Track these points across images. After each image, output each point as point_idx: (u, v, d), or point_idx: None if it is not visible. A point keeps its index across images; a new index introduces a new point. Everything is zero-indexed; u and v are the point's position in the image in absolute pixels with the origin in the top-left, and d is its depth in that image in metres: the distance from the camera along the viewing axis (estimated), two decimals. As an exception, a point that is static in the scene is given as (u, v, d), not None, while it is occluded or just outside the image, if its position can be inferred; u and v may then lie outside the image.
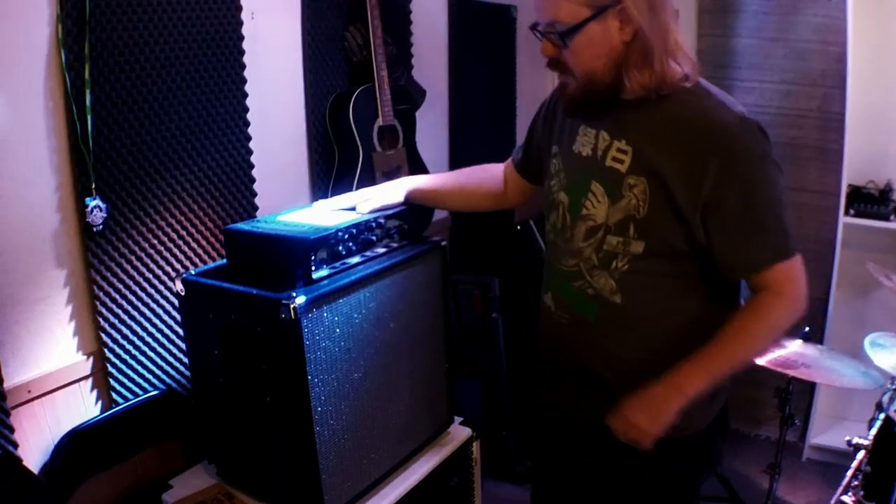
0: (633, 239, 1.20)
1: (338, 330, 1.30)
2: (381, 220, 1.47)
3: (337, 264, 1.34)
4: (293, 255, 1.29)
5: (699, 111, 1.17)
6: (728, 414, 1.36)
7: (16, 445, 1.40)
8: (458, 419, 1.72)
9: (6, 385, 1.38)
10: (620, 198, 1.20)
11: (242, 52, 1.81)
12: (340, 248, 1.36)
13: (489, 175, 1.61)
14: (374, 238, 1.44)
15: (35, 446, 1.47)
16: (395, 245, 1.47)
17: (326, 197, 2.10)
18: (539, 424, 1.52)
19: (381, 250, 1.44)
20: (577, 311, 1.29)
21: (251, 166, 1.88)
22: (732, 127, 1.15)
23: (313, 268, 1.29)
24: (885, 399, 1.89)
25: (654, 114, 1.18)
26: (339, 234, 1.35)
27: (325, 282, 1.29)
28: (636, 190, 1.18)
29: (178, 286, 1.39)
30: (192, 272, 1.41)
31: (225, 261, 1.48)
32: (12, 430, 1.39)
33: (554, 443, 1.48)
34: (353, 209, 1.51)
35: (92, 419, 1.54)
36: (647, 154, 1.18)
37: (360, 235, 1.41)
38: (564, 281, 1.31)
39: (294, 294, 1.20)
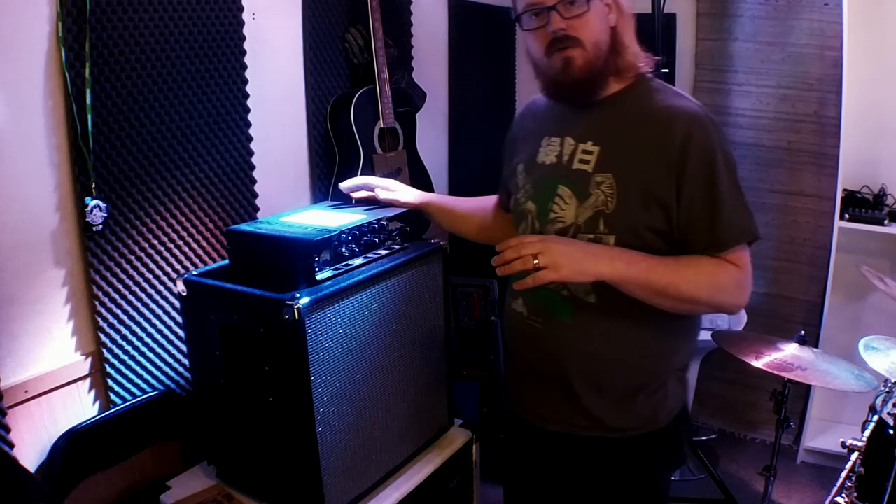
0: (604, 234, 1.23)
1: (340, 331, 1.30)
2: (384, 222, 1.47)
3: (340, 265, 1.34)
4: (297, 256, 1.29)
5: (663, 101, 1.26)
6: (689, 415, 1.43)
7: (11, 445, 1.39)
8: (458, 421, 1.73)
9: (3, 385, 1.37)
10: (588, 196, 1.25)
11: (244, 53, 1.80)
12: (343, 249, 1.36)
13: (489, 206, 1.65)
14: (376, 240, 1.44)
15: (31, 446, 1.46)
16: (397, 247, 1.48)
17: (326, 198, 2.11)
18: (510, 437, 1.55)
19: (384, 252, 1.44)
20: (552, 313, 1.31)
21: (252, 167, 1.88)
22: (697, 115, 1.23)
23: (316, 269, 1.29)
24: (879, 402, 1.91)
25: (620, 109, 1.28)
26: (343, 235, 1.36)
27: (329, 283, 1.29)
28: (603, 186, 1.24)
29: (180, 287, 1.38)
30: (194, 272, 1.41)
31: (226, 261, 1.48)
32: (8, 430, 1.38)
33: (525, 455, 1.50)
34: (372, 192, 1.55)
35: (90, 420, 1.54)
36: (616, 149, 1.25)
37: (363, 237, 1.41)
38: (538, 285, 1.30)
39: (298, 295, 1.20)
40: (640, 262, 1.20)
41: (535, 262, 1.14)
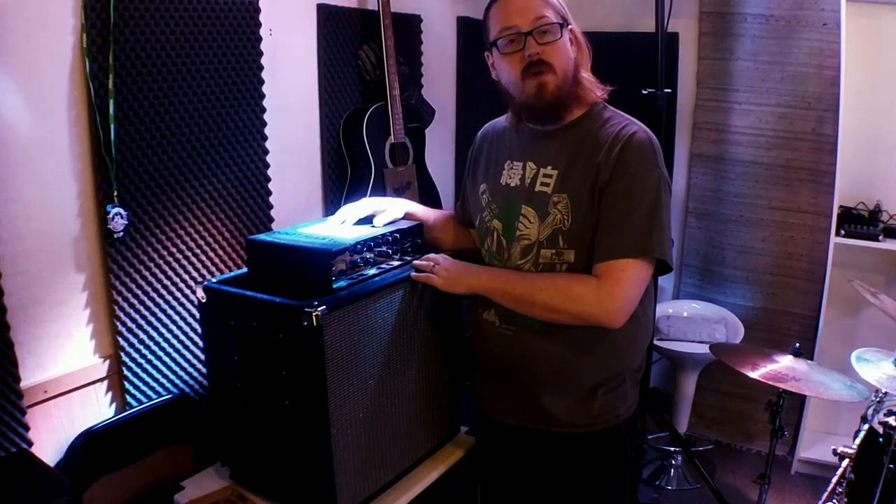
0: (564, 249, 1.35)
1: (355, 338, 1.34)
2: (397, 234, 1.52)
3: (355, 275, 1.39)
4: (315, 265, 1.34)
5: (612, 126, 1.36)
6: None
7: (30, 444, 1.43)
8: (463, 429, 1.77)
9: (23, 384, 1.41)
10: (547, 215, 1.37)
11: (261, 68, 1.85)
12: (358, 259, 1.40)
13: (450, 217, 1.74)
14: (389, 251, 1.48)
15: (49, 445, 1.50)
16: (409, 258, 1.52)
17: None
18: (482, 439, 1.67)
19: (397, 263, 1.48)
20: (522, 321, 1.41)
21: (268, 178, 1.92)
22: (637, 138, 1.32)
23: (333, 278, 1.33)
24: (870, 411, 1.95)
25: (576, 135, 1.38)
26: (358, 246, 1.40)
27: (344, 292, 1.33)
28: (560, 206, 1.36)
29: (200, 293, 1.42)
30: (214, 280, 1.45)
31: (243, 270, 1.52)
32: (27, 429, 1.42)
33: (498, 454, 1.60)
34: (371, 217, 1.58)
35: (106, 420, 1.58)
36: (570, 172, 1.36)
37: (377, 248, 1.46)
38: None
39: (316, 302, 1.24)
40: (502, 275, 1.40)
41: (433, 271, 1.42)
